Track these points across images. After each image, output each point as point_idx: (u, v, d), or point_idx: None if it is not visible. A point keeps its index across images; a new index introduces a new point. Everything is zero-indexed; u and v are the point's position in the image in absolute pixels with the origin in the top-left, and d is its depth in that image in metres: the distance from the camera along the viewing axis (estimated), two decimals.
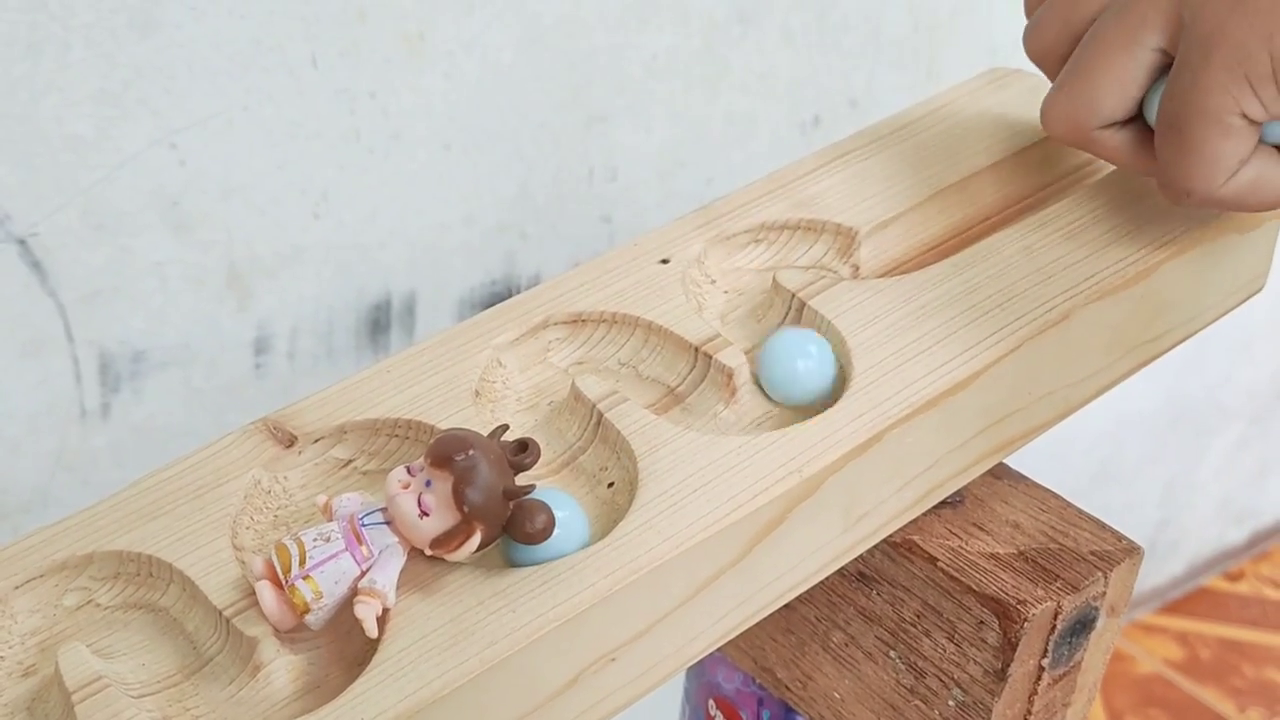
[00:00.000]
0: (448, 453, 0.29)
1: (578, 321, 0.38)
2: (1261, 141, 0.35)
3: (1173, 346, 0.42)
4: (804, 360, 0.34)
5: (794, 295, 0.38)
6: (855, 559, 0.37)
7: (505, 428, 0.31)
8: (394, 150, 0.56)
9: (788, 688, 0.42)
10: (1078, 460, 1.07)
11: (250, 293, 0.55)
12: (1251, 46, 0.33)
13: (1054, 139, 0.39)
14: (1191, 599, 1.23)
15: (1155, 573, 1.22)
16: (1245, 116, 0.34)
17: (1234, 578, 1.26)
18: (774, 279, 0.39)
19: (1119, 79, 0.36)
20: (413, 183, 0.57)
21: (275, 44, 0.51)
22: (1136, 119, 0.38)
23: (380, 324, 0.59)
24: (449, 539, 0.30)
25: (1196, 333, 0.43)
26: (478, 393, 0.36)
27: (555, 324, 0.38)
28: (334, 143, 0.54)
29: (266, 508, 0.34)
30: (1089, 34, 0.37)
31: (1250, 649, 1.18)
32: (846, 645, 0.40)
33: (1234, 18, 0.33)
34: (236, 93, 0.51)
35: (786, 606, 0.37)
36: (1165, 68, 0.36)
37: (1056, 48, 0.38)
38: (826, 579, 0.36)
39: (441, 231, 0.59)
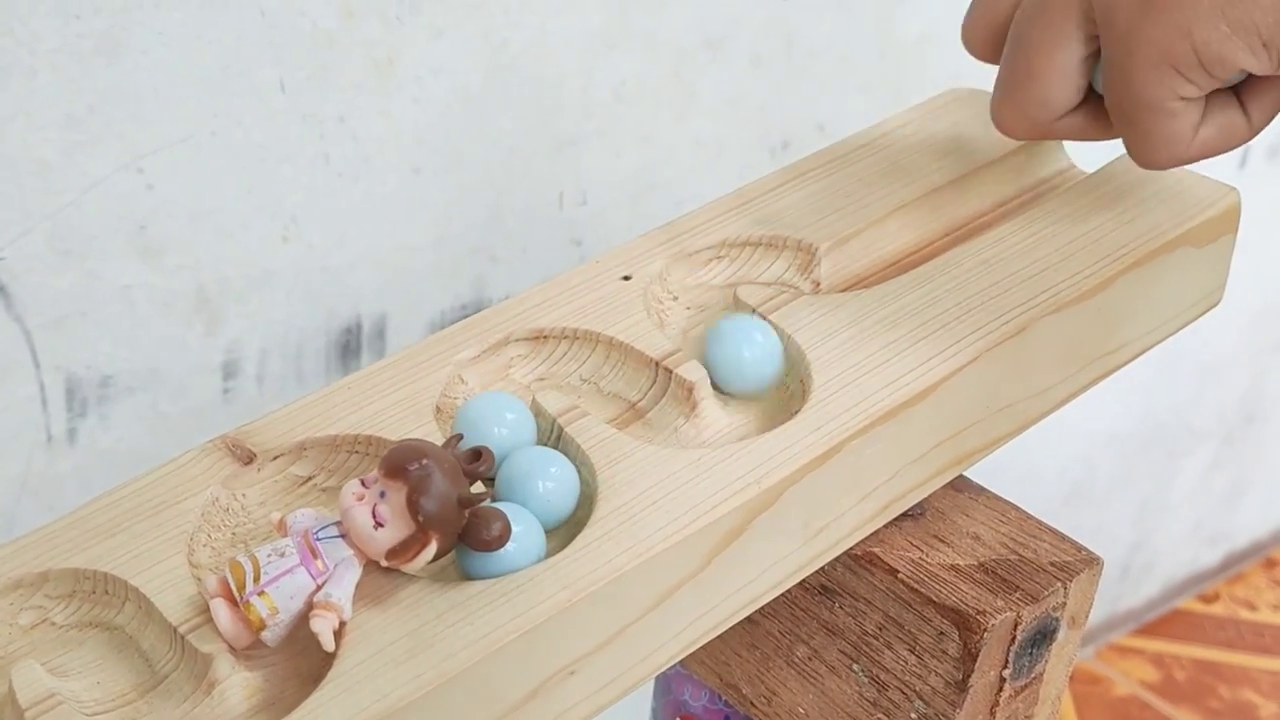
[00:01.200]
0: (401, 462, 0.29)
1: (539, 338, 0.38)
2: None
3: (1131, 359, 0.43)
4: (750, 349, 0.34)
5: (755, 310, 0.39)
6: (817, 572, 0.37)
7: (459, 437, 0.31)
8: (364, 174, 0.56)
9: (753, 704, 0.42)
10: (1049, 482, 1.07)
11: (219, 317, 0.55)
12: (1171, 42, 0.35)
13: (1013, 138, 0.40)
14: (1166, 621, 1.24)
15: (1130, 595, 1.22)
16: (1184, 98, 0.36)
17: (1209, 599, 1.26)
18: (735, 295, 0.40)
19: (1062, 73, 0.38)
20: (382, 206, 0.57)
21: (243, 68, 0.51)
22: (1089, 93, 0.39)
23: (350, 347, 0.59)
24: (404, 549, 0.30)
25: (1155, 345, 0.43)
26: (439, 409, 0.36)
27: (517, 340, 0.38)
28: (303, 166, 0.55)
29: (224, 525, 0.34)
30: (1012, 36, 0.39)
31: (1226, 670, 1.18)
32: (810, 659, 0.40)
33: (1147, 19, 0.35)
34: (204, 117, 0.51)
35: (750, 621, 0.37)
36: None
37: (988, 41, 0.40)
38: (789, 592, 0.36)
39: (411, 255, 0.59)
